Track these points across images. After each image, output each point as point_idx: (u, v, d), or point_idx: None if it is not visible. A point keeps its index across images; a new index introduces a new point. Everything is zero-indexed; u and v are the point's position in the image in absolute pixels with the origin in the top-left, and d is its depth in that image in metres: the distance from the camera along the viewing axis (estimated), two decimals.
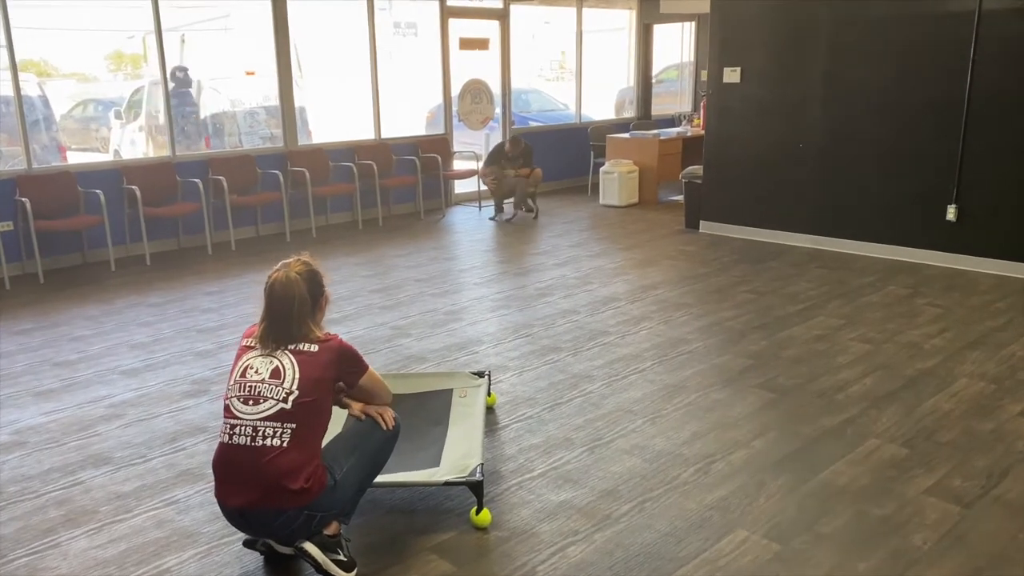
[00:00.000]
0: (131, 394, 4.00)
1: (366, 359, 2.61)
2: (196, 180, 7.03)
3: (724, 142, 7.24)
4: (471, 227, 8.22)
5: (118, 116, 11.78)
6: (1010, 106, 5.66)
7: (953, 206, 6.00)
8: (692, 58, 12.08)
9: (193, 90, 8.25)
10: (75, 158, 8.43)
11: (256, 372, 2.39)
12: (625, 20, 11.32)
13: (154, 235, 7.01)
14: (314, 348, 2.44)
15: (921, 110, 6.05)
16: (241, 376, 2.41)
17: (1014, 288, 5.50)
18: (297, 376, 2.38)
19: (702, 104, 7.42)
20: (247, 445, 2.34)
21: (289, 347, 2.43)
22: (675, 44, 12.33)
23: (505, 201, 8.78)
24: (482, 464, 2.87)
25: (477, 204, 9.23)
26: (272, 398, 2.36)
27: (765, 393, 3.86)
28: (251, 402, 2.37)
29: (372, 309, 5.34)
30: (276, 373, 2.38)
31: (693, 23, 11.79)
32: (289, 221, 7.65)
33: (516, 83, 11.51)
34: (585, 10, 10.61)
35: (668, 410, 3.69)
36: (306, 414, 2.38)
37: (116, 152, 11.39)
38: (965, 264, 6.00)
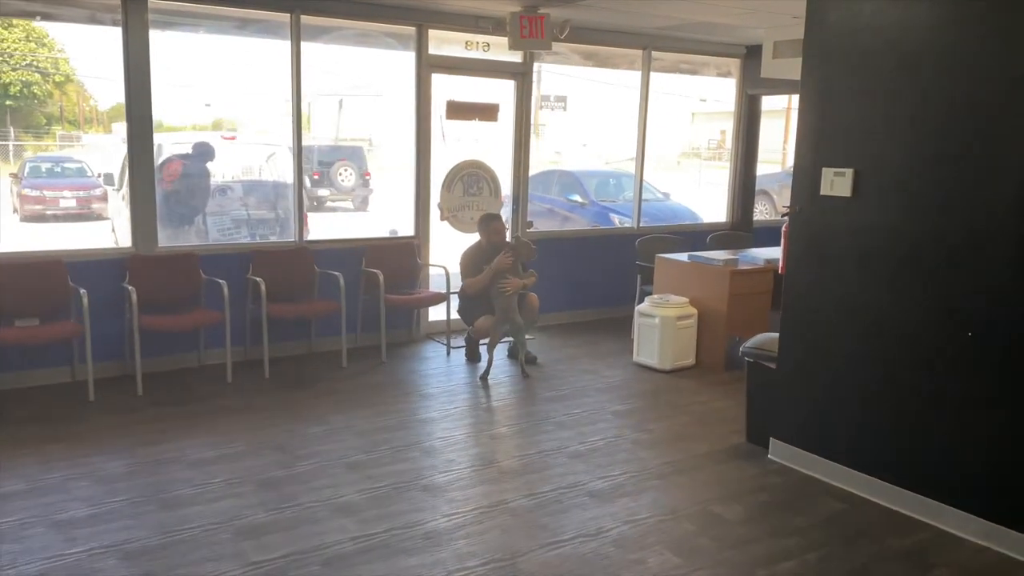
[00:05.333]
0: None
1: None
2: None
3: (819, 303, 3.84)
4: (404, 387, 5.18)
5: (109, 182, 9.77)
6: None
7: None
8: None
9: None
10: None
11: None
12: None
13: None
14: None
15: None
16: None
17: None
18: None
19: (783, 230, 4.09)
20: None
21: None
22: None
23: (482, 342, 5.70)
24: None
25: (446, 340, 6.18)
26: None
27: None
28: None
29: None
30: None
31: None
32: (96, 364, 4.82)
33: (604, 166, 9.24)
34: (661, 75, 7.50)
35: None
36: None
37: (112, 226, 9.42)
38: None
